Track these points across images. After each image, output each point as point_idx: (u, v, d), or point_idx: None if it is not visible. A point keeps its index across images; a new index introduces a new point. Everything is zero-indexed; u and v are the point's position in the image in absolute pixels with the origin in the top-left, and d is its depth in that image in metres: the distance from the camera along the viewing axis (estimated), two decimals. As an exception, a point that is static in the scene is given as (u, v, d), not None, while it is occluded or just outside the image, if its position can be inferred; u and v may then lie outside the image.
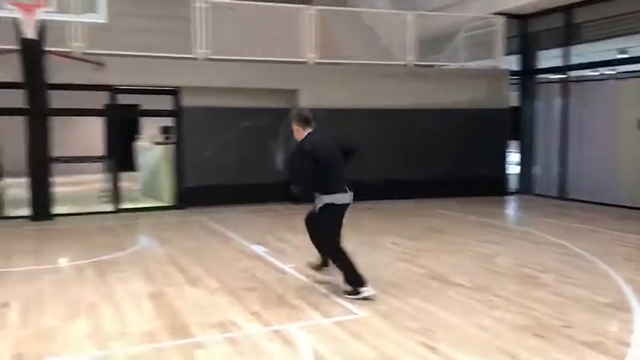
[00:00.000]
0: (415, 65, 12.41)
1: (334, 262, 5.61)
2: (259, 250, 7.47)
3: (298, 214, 10.56)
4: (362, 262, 6.66)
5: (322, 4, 11.96)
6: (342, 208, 5.52)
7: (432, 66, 13.01)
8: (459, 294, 5.48)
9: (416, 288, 5.69)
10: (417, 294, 5.47)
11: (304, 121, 5.72)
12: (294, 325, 4.61)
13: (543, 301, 5.21)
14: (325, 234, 5.66)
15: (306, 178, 5.48)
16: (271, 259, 6.90)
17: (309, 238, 6.02)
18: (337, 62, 11.80)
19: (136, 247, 7.70)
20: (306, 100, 11.50)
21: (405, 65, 12.35)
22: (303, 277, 6.05)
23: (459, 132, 12.48)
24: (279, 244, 7.88)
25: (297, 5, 11.93)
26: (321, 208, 5.49)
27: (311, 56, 11.59)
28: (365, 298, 5.21)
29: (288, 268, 6.44)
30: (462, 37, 13.10)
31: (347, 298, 5.26)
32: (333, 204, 5.41)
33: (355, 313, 4.90)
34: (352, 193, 5.52)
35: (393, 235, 8.42)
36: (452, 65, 13.17)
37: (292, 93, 11.63)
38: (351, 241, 7.90)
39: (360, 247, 7.53)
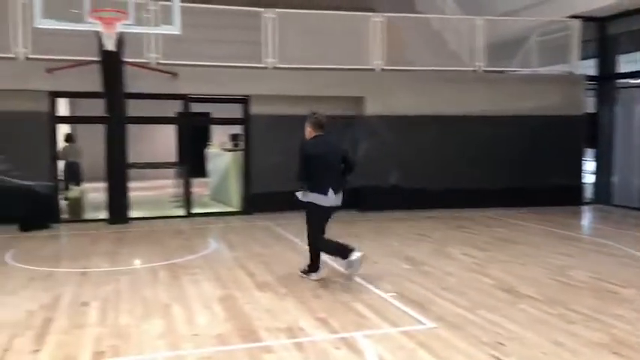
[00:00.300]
0: (485, 71, 12.15)
1: (322, 252, 6.44)
2: (324, 256, 7.49)
3: (361, 221, 10.61)
4: (430, 272, 6.60)
5: (389, 11, 11.89)
6: (325, 210, 6.29)
7: (502, 71, 12.69)
8: (530, 307, 5.29)
9: (485, 299, 5.54)
10: (486, 305, 5.33)
11: (317, 126, 6.46)
12: (361, 333, 4.60)
13: (624, 318, 4.95)
14: (309, 231, 6.47)
15: (298, 170, 6.33)
16: (336, 266, 6.91)
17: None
18: (404, 69, 11.72)
19: (207, 251, 7.93)
20: (373, 108, 11.52)
21: (474, 71, 12.11)
22: (369, 286, 6.02)
23: (531, 139, 12.09)
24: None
25: (364, 13, 11.97)
26: (305, 205, 6.33)
27: (377, 63, 11.57)
28: (357, 261, 6.06)
29: (353, 276, 6.43)
30: (535, 41, 12.70)
31: (347, 269, 6.15)
32: (313, 203, 6.22)
33: (423, 324, 4.83)
34: (339, 197, 6.37)
35: (461, 245, 8.25)
36: (523, 71, 12.80)
37: (359, 100, 11.65)
38: (419, 250, 7.88)
39: (427, 257, 7.46)
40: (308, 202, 6.30)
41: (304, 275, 6.46)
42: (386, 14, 11.65)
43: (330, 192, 6.23)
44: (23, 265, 7.00)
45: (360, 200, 11.59)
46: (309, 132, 6.50)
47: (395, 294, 5.70)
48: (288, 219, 10.66)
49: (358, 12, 12.20)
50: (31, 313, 5.08)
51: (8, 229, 9.44)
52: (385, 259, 7.34)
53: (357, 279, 6.29)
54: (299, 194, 6.36)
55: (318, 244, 6.40)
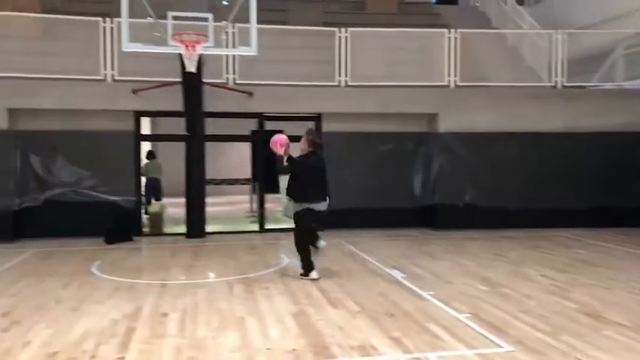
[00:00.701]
0: (564, 86, 11.73)
1: (298, 252, 7.23)
2: (396, 274, 7.43)
3: (434, 239, 10.45)
4: (507, 293, 6.39)
5: (463, 27, 11.74)
6: (318, 213, 7.15)
7: (583, 87, 12.20)
8: (617, 333, 5.01)
9: (567, 324, 5.29)
10: (568, 330, 5.09)
11: (313, 144, 7.33)
12: (436, 354, 4.51)
13: None
14: (299, 234, 7.21)
15: (289, 183, 7.24)
16: (409, 285, 6.83)
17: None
18: (480, 85, 11.50)
19: (280, 266, 8.05)
20: (447, 124, 11.37)
21: (553, 86, 11.72)
22: (443, 306, 5.90)
23: (615, 157, 11.51)
24: (416, 269, 7.78)
25: (438, 30, 11.89)
26: (296, 212, 7.15)
27: (451, 79, 11.43)
28: (312, 279, 7.01)
29: (427, 295, 6.33)
30: (619, 54, 12.14)
31: (301, 278, 7.08)
32: (309, 209, 7.06)
33: (501, 347, 4.68)
34: (327, 202, 7.24)
35: (539, 266, 7.94)
36: (607, 85, 12.24)
37: (432, 117, 11.54)
38: (495, 270, 7.65)
39: (504, 278, 7.24)
40: (303, 209, 7.10)
41: (305, 277, 7.11)
42: (461, 30, 11.51)
43: (327, 198, 7.23)
44: (108, 276, 7.38)
45: (434, 218, 11.42)
46: (304, 148, 7.33)
47: (470, 315, 5.55)
48: (361, 236, 10.68)
49: (431, 29, 12.14)
50: (115, 322, 5.34)
51: (95, 241, 9.99)
52: (460, 279, 7.18)
53: (432, 299, 6.18)
54: (296, 205, 7.21)
55: (300, 247, 7.23)
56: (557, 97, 11.60)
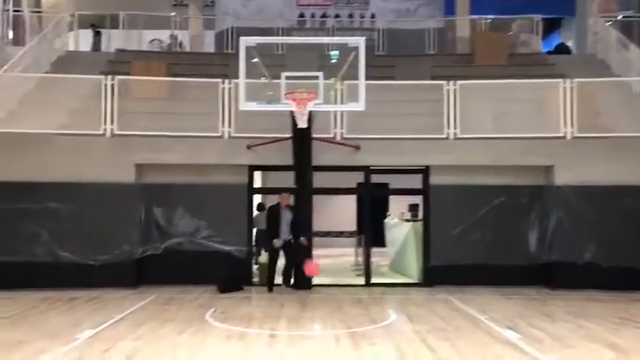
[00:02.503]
0: (700, 136, 10.77)
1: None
2: (511, 335, 7.00)
3: (552, 299, 9.79)
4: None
5: (580, 75, 11.24)
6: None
7: None
8: None
9: None
10: None
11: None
12: None
13: None
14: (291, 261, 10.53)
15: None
16: (526, 347, 6.40)
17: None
18: (600, 135, 10.84)
19: (386, 322, 7.89)
20: (563, 177, 10.82)
21: (684, 136, 10.80)
22: (565, 372, 5.46)
23: None
24: (533, 330, 7.29)
25: (551, 80, 11.50)
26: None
27: (568, 130, 10.91)
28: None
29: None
30: None
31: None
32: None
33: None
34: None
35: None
36: None
37: (547, 170, 11.03)
38: (623, 336, 6.95)
39: (634, 344, 6.58)
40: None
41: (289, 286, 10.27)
42: (577, 80, 11.03)
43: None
44: (220, 324, 7.63)
45: (551, 276, 10.74)
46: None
47: (597, 385, 5.08)
48: (470, 293, 10.26)
49: (545, 79, 11.77)
50: (227, 370, 5.48)
51: (208, 289, 10.42)
52: (583, 344, 6.62)
53: (551, 364, 5.75)
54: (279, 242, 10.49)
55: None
56: (690, 147, 10.67)
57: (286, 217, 10.73)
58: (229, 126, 11.05)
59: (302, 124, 8.62)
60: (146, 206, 10.92)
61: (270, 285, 10.60)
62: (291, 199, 10.89)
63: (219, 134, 11.04)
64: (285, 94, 8.55)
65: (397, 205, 17.53)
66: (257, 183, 15.38)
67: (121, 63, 14.13)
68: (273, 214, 10.84)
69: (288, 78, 9.09)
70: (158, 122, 11.03)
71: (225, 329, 7.34)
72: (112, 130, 10.90)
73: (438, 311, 8.66)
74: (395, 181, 13.01)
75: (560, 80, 11.21)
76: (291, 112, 9.31)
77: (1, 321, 7.77)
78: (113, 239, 10.57)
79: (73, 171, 10.64)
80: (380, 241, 14.66)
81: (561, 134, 10.96)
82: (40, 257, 10.39)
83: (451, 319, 8.08)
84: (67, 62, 14.20)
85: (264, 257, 12.23)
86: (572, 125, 10.91)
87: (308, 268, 10.07)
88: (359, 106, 8.64)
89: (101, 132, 10.88)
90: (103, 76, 11.13)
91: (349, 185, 12.47)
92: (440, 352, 6.18)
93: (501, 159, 10.92)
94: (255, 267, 11.94)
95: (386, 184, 14.15)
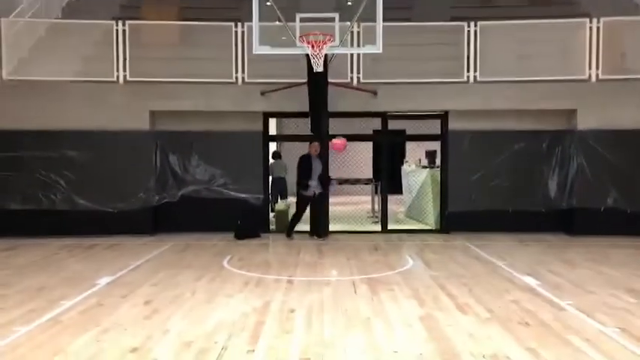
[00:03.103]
0: None
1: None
2: (530, 281, 6.95)
3: (572, 246, 9.69)
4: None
5: (607, 14, 10.74)
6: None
7: None
8: None
9: None
10: None
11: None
12: (580, 370, 4.12)
13: None
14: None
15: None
16: (545, 293, 6.35)
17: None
18: (625, 78, 10.46)
19: (404, 268, 7.87)
20: (586, 121, 10.52)
21: None
22: (586, 317, 5.40)
23: None
24: (552, 277, 7.23)
25: (577, 19, 11.01)
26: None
27: (593, 73, 10.53)
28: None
29: (566, 305, 5.84)
30: None
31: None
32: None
33: (658, 368, 4.17)
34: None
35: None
36: None
37: (569, 114, 10.73)
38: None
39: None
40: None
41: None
42: (604, 19, 10.55)
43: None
44: (238, 271, 7.67)
45: (571, 223, 10.60)
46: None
47: (619, 330, 5.02)
48: (488, 239, 10.19)
49: (569, 18, 11.28)
50: (245, 315, 5.50)
51: (225, 236, 10.48)
52: (603, 289, 6.55)
53: (572, 309, 5.69)
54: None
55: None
56: None
57: (317, 167, 10.48)
58: (243, 72, 10.84)
59: (318, 68, 8.35)
60: (161, 154, 10.88)
61: (290, 231, 10.64)
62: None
63: (232, 80, 10.84)
64: (300, 37, 8.26)
65: (414, 152, 17.35)
66: (272, 130, 15.25)
67: (133, 8, 13.79)
68: (304, 163, 10.49)
69: (302, 20, 8.76)
70: (171, 69, 10.85)
71: (243, 275, 7.38)
72: (124, 76, 10.75)
73: (455, 257, 8.63)
74: (412, 128, 12.77)
75: (585, 19, 10.72)
76: (307, 56, 9.02)
77: (25, 268, 7.88)
78: (130, 187, 10.61)
79: (88, 118, 10.60)
80: (397, 189, 14.57)
81: (585, 77, 10.60)
82: (59, 205, 10.49)
83: (469, 265, 8.04)
84: (78, 8, 13.88)
85: (280, 205, 12.24)
86: (597, 67, 10.53)
87: (335, 144, 10.37)
88: (376, 48, 8.33)
89: (114, 79, 10.73)
90: (114, 22, 10.87)
91: (365, 132, 12.29)
92: (458, 298, 6.15)
93: (522, 103, 10.64)
94: (271, 214, 11.95)
95: (403, 131, 13.91)
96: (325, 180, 10.65)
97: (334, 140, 10.30)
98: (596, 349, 4.54)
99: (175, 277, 7.30)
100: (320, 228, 10.62)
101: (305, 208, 10.59)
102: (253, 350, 4.54)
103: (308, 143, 10.67)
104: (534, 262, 8.18)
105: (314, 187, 10.43)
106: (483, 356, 4.40)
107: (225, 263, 8.18)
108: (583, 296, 6.22)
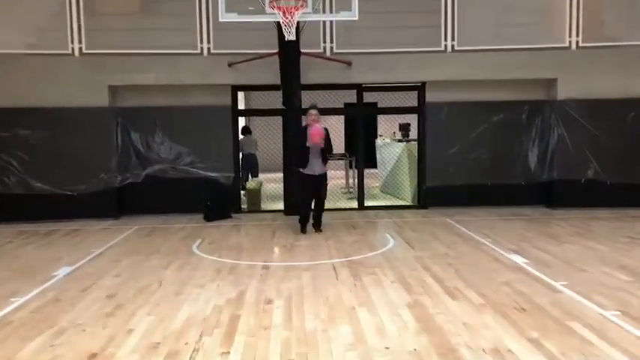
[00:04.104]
0: None
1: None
2: (518, 260, 6.63)
3: (555, 219, 9.45)
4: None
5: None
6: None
7: None
8: None
9: None
10: None
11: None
12: (589, 362, 3.78)
13: None
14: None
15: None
16: (535, 273, 6.03)
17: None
18: (607, 45, 10.16)
19: (385, 248, 7.47)
20: (567, 91, 10.23)
21: (696, 44, 10.15)
22: (583, 300, 5.09)
23: None
24: (540, 254, 6.93)
25: (556, -16, 10.61)
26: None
27: (573, 40, 10.19)
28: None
29: (559, 286, 5.52)
30: None
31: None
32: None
33: (671, 358, 3.85)
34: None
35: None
36: None
37: (549, 83, 10.41)
38: (636, 257, 6.62)
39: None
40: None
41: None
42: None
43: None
44: (209, 256, 7.15)
45: (551, 195, 10.37)
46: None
47: (619, 313, 4.72)
48: (467, 214, 9.89)
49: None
50: (219, 309, 5.01)
51: (194, 217, 9.92)
52: (595, 267, 6.26)
53: (567, 290, 5.37)
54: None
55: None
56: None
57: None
58: (208, 42, 10.16)
59: (290, 36, 7.76)
60: (123, 131, 10.19)
61: (304, 226, 8.56)
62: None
63: (197, 51, 10.16)
64: (270, 2, 7.64)
65: (386, 125, 16.97)
66: (240, 105, 14.60)
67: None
68: (303, 137, 8.31)
69: (272, -15, 8.12)
70: (131, 39, 10.10)
71: (215, 262, 6.87)
72: (80, 48, 9.96)
73: (437, 235, 8.27)
74: (383, 100, 12.32)
75: (565, -16, 10.32)
76: (277, 24, 8.42)
77: (-28, 259, 7.22)
78: (90, 168, 9.92)
79: (42, 95, 9.84)
80: (370, 163, 14.15)
81: (566, 44, 10.25)
82: (13, 189, 9.77)
83: (452, 243, 7.69)
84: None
85: (251, 183, 11.69)
86: (577, 35, 10.19)
87: (313, 135, 8.08)
88: (352, 14, 7.79)
89: (69, 51, 9.93)
90: (64, -13, 9.99)
91: (336, 105, 11.78)
92: (446, 282, 5.77)
93: (501, 72, 10.28)
94: (242, 193, 11.41)
95: (375, 104, 13.45)
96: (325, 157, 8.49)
97: (313, 130, 8.15)
98: (600, 337, 4.21)
99: (140, 265, 6.75)
100: (319, 218, 8.71)
101: (311, 190, 8.41)
102: (228, 352, 4.06)
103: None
104: (518, 238, 7.89)
105: (316, 165, 8.35)
106: (483, 350, 4.02)
107: (194, 248, 7.65)
108: (576, 275, 5.92)
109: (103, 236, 8.56)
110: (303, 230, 8.52)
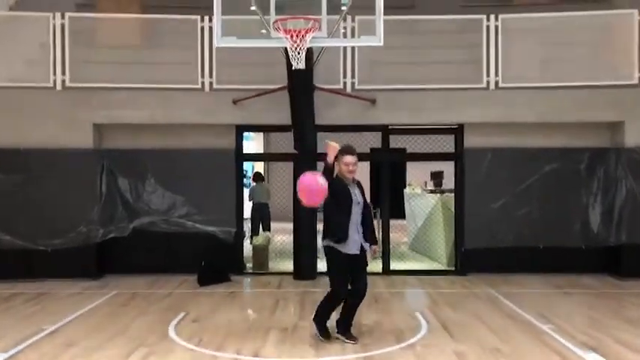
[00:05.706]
0: None
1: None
2: (596, 360, 4.85)
3: (629, 295, 7.57)
4: None
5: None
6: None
7: None
8: None
9: None
10: None
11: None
12: None
13: None
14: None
15: None
16: None
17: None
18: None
19: (416, 337, 5.70)
20: (637, 136, 8.52)
21: None
22: None
23: None
24: (623, 351, 5.14)
25: (619, 11, 9.06)
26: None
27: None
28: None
29: None
30: None
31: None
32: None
33: None
34: None
35: None
36: None
37: (614, 126, 8.75)
38: None
39: None
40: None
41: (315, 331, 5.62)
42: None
43: None
44: (185, 343, 5.50)
45: (619, 263, 8.53)
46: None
47: None
48: (516, 284, 8.19)
49: (609, 10, 9.35)
50: None
51: (187, 279, 8.39)
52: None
53: None
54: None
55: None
56: None
57: (356, 198, 5.56)
58: (210, 76, 8.83)
59: (298, 64, 6.26)
60: (108, 177, 8.79)
61: (323, 324, 5.62)
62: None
63: (197, 86, 8.82)
64: (275, 23, 6.21)
65: (415, 172, 15.28)
66: (253, 148, 13.16)
67: (89, 7, 11.77)
68: (340, 195, 5.45)
69: (280, 6, 6.71)
70: (122, 72, 8.81)
71: (189, 352, 5.23)
72: (63, 81, 8.71)
73: (482, 316, 6.50)
74: (412, 145, 10.67)
75: (632, 11, 8.72)
76: (285, 52, 6.96)
77: None
78: (68, 219, 8.54)
79: (16, 133, 8.57)
80: (397, 213, 12.42)
81: (634, 82, 8.61)
82: (-23, 241, 8.36)
83: (503, 330, 5.92)
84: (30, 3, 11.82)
85: (259, 239, 10.10)
86: (645, 70, 8.56)
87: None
88: (376, 40, 6.27)
89: (50, 84, 8.69)
90: (50, 14, 8.80)
91: (360, 149, 10.19)
92: (505, 403, 4.01)
93: (554, 114, 8.68)
94: (249, 247, 9.83)
95: (403, 149, 11.84)
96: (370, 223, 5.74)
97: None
98: None
99: (95, 353, 5.15)
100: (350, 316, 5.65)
101: (346, 275, 5.47)
102: None
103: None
104: (588, 324, 6.12)
105: (356, 238, 5.48)
106: None
107: (171, 328, 6.02)
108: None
109: (69, 305, 7.03)
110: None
